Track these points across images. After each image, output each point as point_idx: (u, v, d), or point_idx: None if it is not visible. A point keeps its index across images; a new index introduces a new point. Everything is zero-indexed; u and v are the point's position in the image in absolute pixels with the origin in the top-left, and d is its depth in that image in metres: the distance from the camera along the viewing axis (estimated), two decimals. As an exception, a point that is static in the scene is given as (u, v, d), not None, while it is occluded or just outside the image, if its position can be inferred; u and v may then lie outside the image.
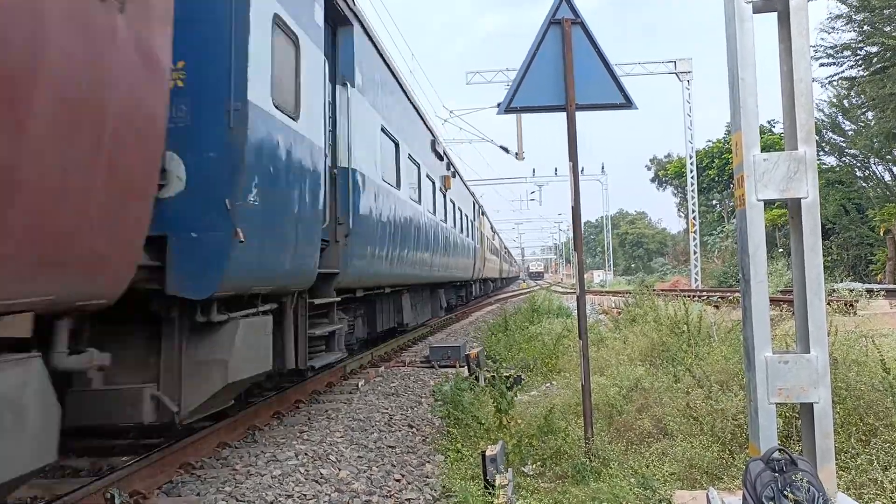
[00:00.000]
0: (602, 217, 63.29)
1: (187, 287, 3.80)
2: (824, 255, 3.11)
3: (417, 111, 11.21)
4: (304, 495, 3.96)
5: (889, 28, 21.61)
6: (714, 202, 55.94)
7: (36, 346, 2.67)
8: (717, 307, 12.58)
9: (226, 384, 4.06)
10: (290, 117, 4.82)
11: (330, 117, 6.38)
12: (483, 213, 25.47)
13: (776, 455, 2.71)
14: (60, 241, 2.56)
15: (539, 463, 4.54)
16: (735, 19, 2.95)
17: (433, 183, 12.49)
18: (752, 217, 2.91)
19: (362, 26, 7.35)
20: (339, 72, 6.79)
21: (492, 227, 32.84)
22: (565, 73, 4.72)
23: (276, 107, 4.56)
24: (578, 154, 4.75)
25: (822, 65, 23.76)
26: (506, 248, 52.03)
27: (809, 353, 2.86)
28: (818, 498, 2.57)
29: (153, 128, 3.14)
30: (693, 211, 31.25)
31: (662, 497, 3.63)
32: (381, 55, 8.36)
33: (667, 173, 67.99)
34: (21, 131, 2.27)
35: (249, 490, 3.96)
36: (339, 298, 6.51)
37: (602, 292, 32.88)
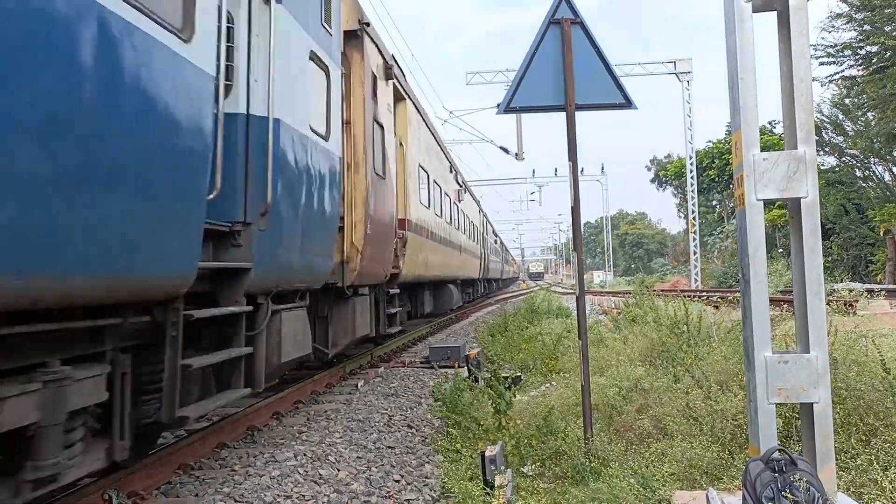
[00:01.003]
0: (602, 217, 63.33)
1: None
2: (824, 256, 3.11)
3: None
4: (303, 496, 3.95)
5: (889, 28, 21.59)
6: (714, 202, 55.94)
7: None
8: (716, 307, 12.57)
9: None
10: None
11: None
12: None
13: (776, 455, 2.70)
14: None
15: (538, 463, 4.53)
16: (735, 19, 2.94)
17: None
18: (752, 217, 2.91)
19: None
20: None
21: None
22: (565, 73, 4.71)
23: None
24: (578, 154, 4.74)
25: (822, 64, 23.75)
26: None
27: (809, 353, 2.85)
28: (818, 498, 2.57)
29: None
30: (693, 211, 31.26)
31: (662, 497, 3.62)
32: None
33: (667, 174, 68.00)
34: None
35: (248, 491, 3.95)
36: None
37: (602, 292, 32.89)
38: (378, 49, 8.20)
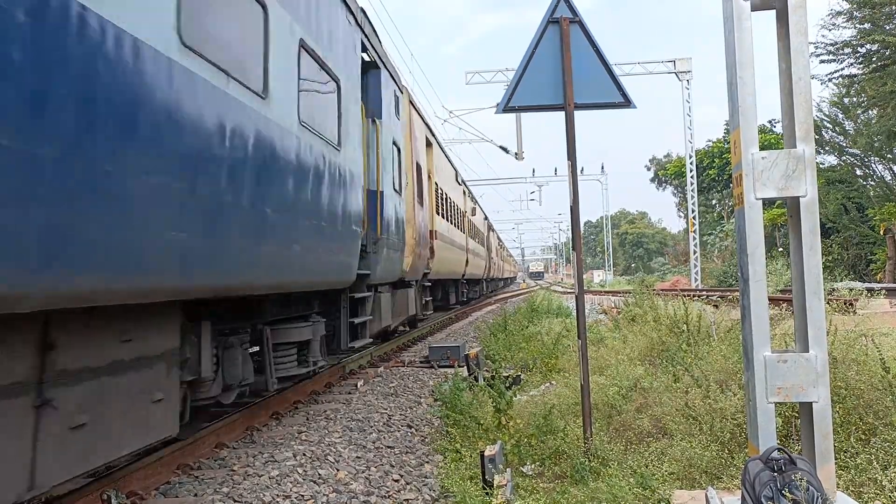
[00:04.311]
0: (602, 217, 63.30)
1: None
2: (825, 254, 3.11)
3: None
4: (302, 496, 3.95)
5: (890, 26, 21.57)
6: (714, 202, 55.92)
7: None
8: (716, 306, 12.56)
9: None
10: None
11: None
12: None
13: (775, 454, 2.69)
14: None
15: (538, 463, 4.53)
16: (733, 18, 2.94)
17: None
18: (751, 216, 2.90)
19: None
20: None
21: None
22: (564, 72, 4.70)
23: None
24: (577, 154, 4.73)
25: (822, 62, 23.72)
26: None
27: (808, 352, 2.84)
28: (817, 497, 2.56)
29: None
30: (693, 211, 31.24)
31: (661, 497, 3.62)
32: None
33: (666, 173, 67.98)
34: None
35: (247, 491, 3.95)
36: None
37: (602, 292, 32.89)
38: (419, 115, 11.78)
